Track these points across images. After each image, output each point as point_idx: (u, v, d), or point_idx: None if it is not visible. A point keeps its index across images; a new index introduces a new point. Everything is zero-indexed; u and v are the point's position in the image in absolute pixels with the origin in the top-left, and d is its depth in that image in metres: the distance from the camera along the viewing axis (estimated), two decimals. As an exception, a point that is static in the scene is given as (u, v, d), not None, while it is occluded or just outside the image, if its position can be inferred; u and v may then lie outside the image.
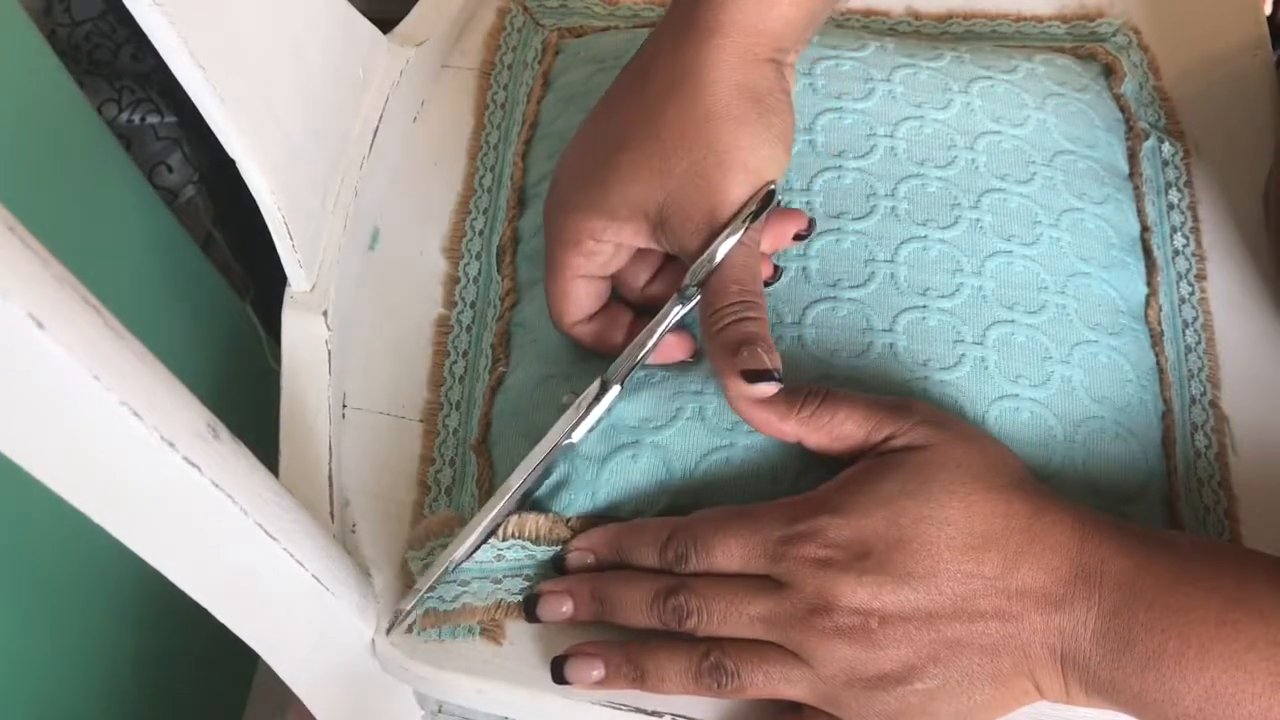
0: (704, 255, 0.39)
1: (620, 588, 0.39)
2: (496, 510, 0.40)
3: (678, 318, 0.40)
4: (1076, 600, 0.35)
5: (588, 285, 0.42)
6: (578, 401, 0.40)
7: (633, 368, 0.40)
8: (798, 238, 0.44)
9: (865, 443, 0.39)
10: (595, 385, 0.40)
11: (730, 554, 0.37)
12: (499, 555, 0.41)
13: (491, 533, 0.40)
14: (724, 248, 0.38)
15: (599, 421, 0.40)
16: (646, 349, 0.40)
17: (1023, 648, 0.35)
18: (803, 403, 0.39)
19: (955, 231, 0.45)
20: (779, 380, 0.38)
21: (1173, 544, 0.36)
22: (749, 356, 0.37)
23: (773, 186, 0.39)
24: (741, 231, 0.39)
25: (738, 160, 0.38)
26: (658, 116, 0.38)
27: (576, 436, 0.40)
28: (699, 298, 0.40)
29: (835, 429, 0.39)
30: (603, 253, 0.41)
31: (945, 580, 0.35)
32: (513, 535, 0.41)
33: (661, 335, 0.40)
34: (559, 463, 0.41)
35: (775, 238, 0.43)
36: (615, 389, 0.40)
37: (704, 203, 0.39)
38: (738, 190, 0.39)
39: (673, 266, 0.43)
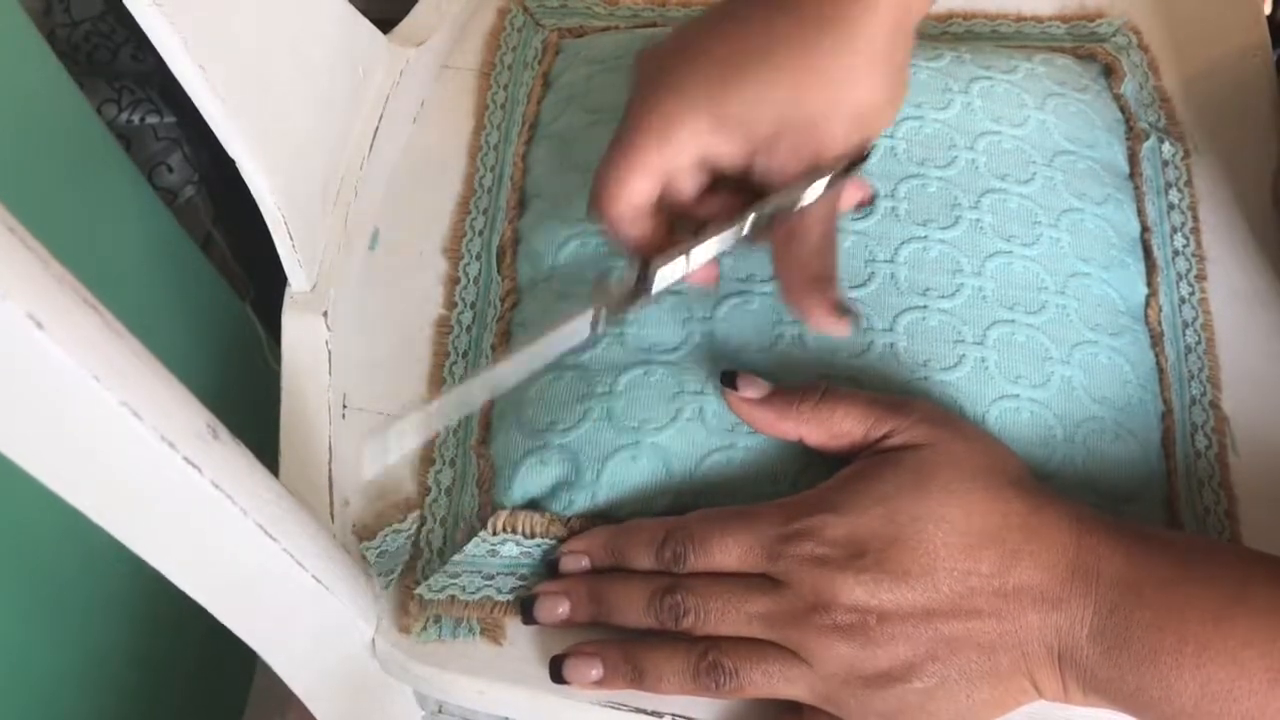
0: (798, 191, 0.38)
1: (617, 587, 0.39)
2: (499, 367, 0.37)
3: (737, 237, 0.39)
4: (1073, 598, 0.35)
5: (648, 179, 0.40)
6: (622, 278, 0.38)
7: (680, 260, 0.38)
8: (859, 206, 0.43)
9: (864, 440, 0.39)
10: (634, 272, 0.38)
11: (728, 553, 0.37)
12: (492, 551, 0.41)
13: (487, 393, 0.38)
14: (815, 189, 0.38)
15: (632, 311, 0.38)
16: (700, 250, 0.39)
17: (1020, 646, 0.35)
18: (801, 400, 0.39)
19: (955, 232, 0.45)
20: (855, 317, 0.38)
21: (1171, 543, 0.36)
22: (829, 289, 0.38)
23: (874, 146, 0.40)
24: (835, 174, 0.38)
25: (860, 116, 0.39)
26: (813, 49, 0.38)
27: (600, 328, 0.38)
28: (766, 226, 0.39)
29: (834, 426, 0.39)
30: (685, 153, 0.39)
31: (942, 578, 0.35)
32: (504, 530, 0.41)
33: (718, 249, 0.39)
34: (580, 345, 0.39)
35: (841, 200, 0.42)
36: (659, 276, 0.38)
37: (817, 144, 0.38)
38: (848, 142, 0.39)
39: (721, 191, 0.41)
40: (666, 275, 0.38)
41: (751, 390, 0.40)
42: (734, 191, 0.40)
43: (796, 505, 0.38)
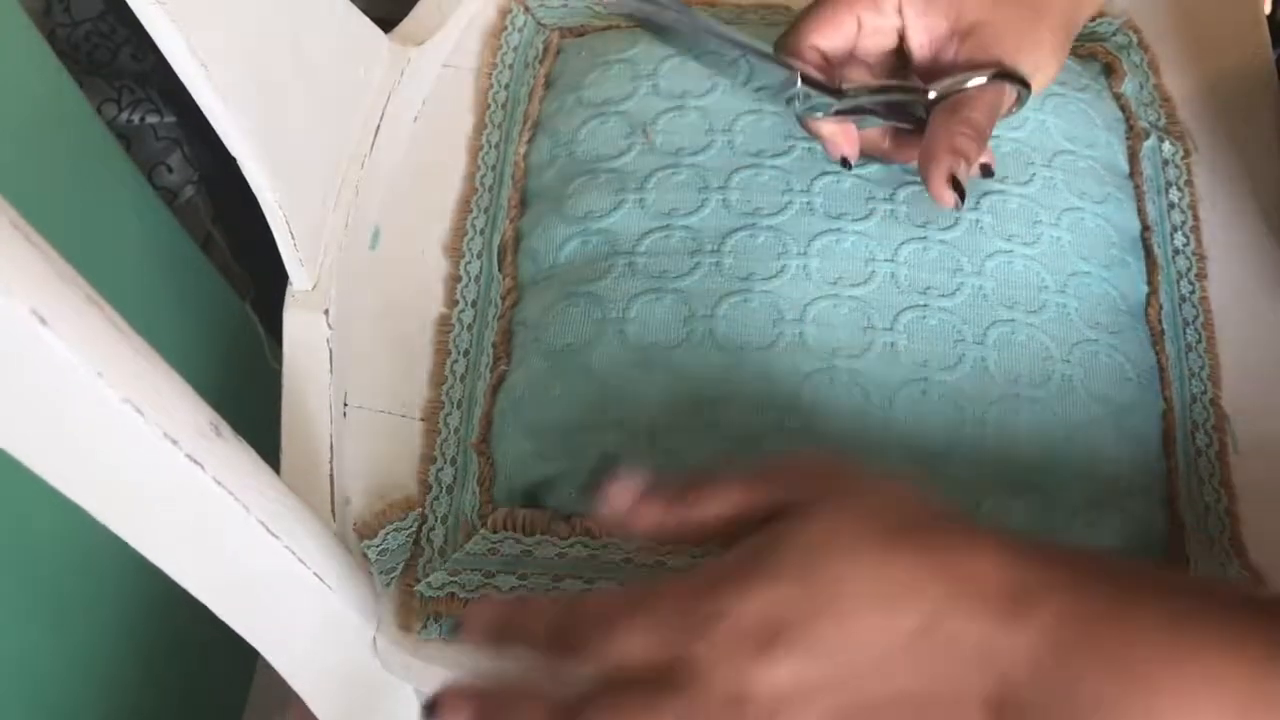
0: (971, 78, 0.43)
1: None
2: (702, 15, 0.42)
3: (907, 98, 0.44)
4: (1007, 642, 0.31)
5: (849, 29, 0.44)
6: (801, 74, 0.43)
7: (863, 95, 0.43)
8: (983, 169, 0.45)
9: (754, 513, 0.35)
10: (821, 79, 0.43)
11: (631, 643, 0.33)
12: (492, 548, 0.41)
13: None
14: (978, 80, 0.43)
15: (820, 104, 0.43)
16: (886, 95, 0.44)
17: (952, 703, 0.32)
18: (679, 492, 0.36)
19: (955, 232, 0.45)
20: (962, 198, 0.42)
21: (1111, 568, 0.33)
22: (958, 164, 0.41)
23: (1030, 96, 0.45)
24: (999, 73, 0.43)
25: (1046, 61, 0.44)
26: None
27: (797, 89, 0.43)
28: (933, 104, 0.43)
29: (715, 508, 0.35)
30: (892, 17, 0.44)
31: (861, 644, 0.32)
32: (504, 528, 0.41)
33: (893, 94, 0.44)
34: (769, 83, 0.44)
35: None
36: (840, 97, 0.43)
37: (1001, 53, 0.43)
38: (1026, 68, 0.44)
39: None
40: (856, 92, 0.43)
41: (623, 496, 0.36)
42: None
43: (700, 586, 0.33)
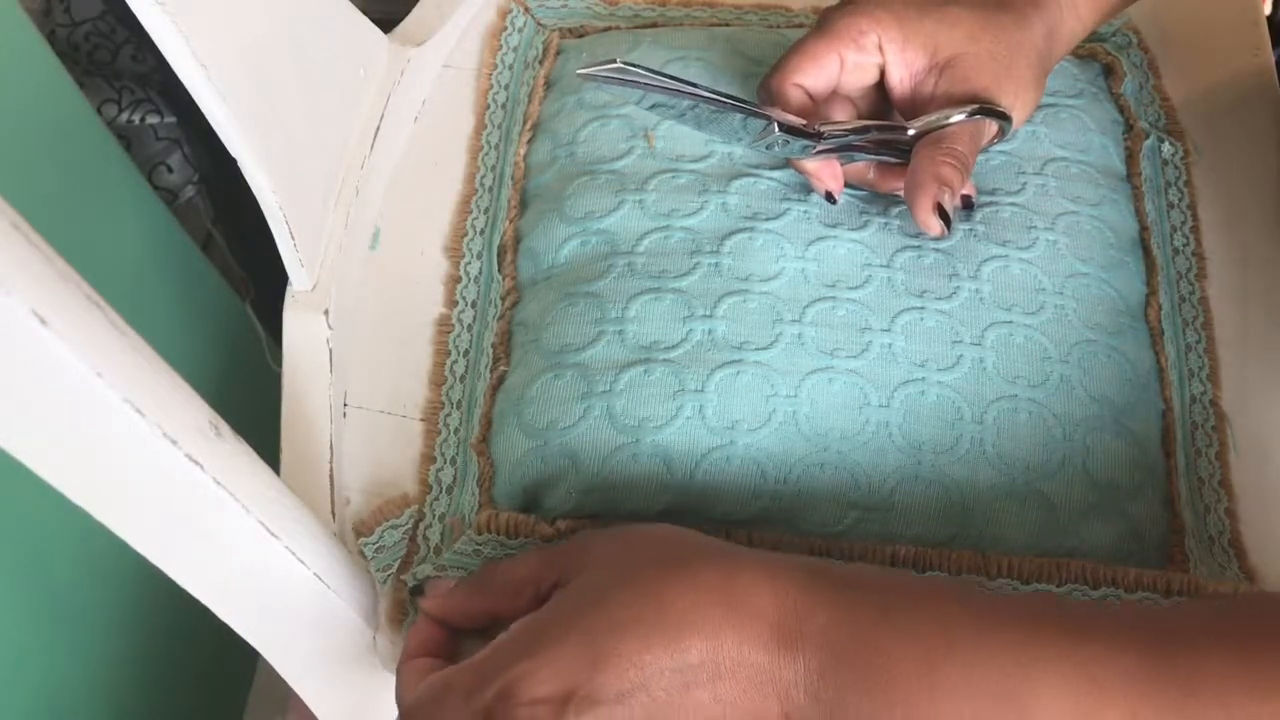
0: (953, 113, 0.43)
1: None
2: (684, 82, 0.41)
3: (889, 134, 0.44)
4: (784, 668, 0.32)
5: (832, 69, 0.44)
6: (778, 122, 0.43)
7: (843, 136, 0.44)
8: (965, 201, 0.46)
9: (544, 588, 0.37)
10: (799, 124, 0.43)
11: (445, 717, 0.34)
12: (477, 551, 0.41)
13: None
14: (959, 115, 0.43)
15: (796, 147, 0.43)
16: (865, 135, 0.44)
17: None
18: (482, 577, 0.39)
19: (950, 241, 0.45)
20: (950, 224, 0.43)
21: (875, 589, 0.34)
22: (943, 193, 0.42)
23: (1011, 130, 0.45)
24: (980, 109, 0.43)
25: (1024, 93, 0.45)
26: (993, 9, 0.45)
27: (772, 135, 0.43)
28: (915, 141, 0.44)
29: (515, 582, 0.38)
30: (872, 57, 0.44)
31: (656, 683, 0.33)
32: (488, 530, 0.41)
33: (873, 134, 0.44)
34: (745, 133, 0.43)
35: None
36: (819, 140, 0.43)
37: (979, 85, 0.44)
38: (1005, 101, 0.44)
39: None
40: (833, 134, 0.44)
41: (441, 588, 0.40)
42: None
43: (490, 661, 0.35)
